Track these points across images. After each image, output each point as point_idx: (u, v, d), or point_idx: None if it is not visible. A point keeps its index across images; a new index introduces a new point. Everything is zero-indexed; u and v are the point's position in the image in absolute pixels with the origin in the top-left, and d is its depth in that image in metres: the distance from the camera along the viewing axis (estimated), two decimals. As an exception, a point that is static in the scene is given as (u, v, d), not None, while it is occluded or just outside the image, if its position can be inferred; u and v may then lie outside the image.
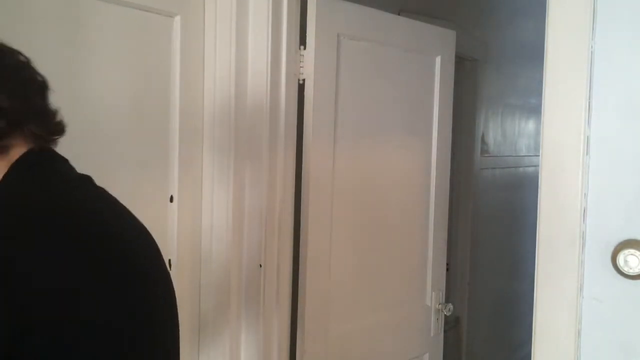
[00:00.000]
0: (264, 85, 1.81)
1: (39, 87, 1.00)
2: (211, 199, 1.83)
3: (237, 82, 1.80)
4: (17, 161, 0.97)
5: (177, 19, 1.74)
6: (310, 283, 1.94)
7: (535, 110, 3.79)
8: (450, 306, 2.44)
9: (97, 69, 1.56)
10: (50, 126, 1.01)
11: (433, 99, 2.33)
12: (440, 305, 2.42)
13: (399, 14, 2.46)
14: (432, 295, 2.40)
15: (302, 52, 1.90)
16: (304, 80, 1.91)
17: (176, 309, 1.12)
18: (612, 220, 1.39)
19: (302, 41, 1.90)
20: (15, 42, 1.39)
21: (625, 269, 1.36)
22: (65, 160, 1.04)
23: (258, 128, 1.82)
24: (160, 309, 1.06)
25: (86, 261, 0.91)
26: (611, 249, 1.38)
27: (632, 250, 1.35)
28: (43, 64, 1.46)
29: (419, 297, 2.38)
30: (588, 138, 1.40)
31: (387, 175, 2.19)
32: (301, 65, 1.90)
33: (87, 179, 1.06)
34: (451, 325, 3.22)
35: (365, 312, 2.16)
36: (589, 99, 1.40)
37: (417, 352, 2.39)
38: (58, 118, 1.02)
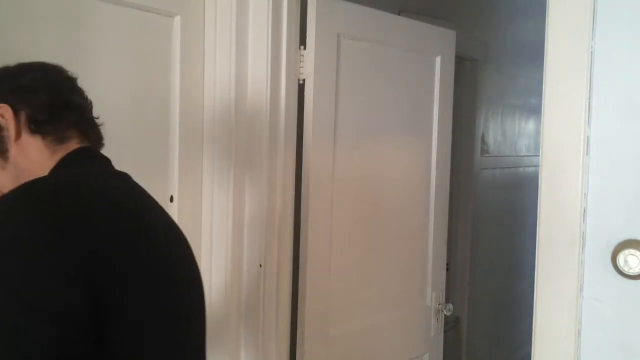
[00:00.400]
0: (264, 85, 1.81)
1: (91, 105, 1.14)
2: (211, 198, 1.83)
3: (237, 82, 1.80)
4: (74, 151, 1.06)
5: (177, 19, 1.74)
6: (310, 283, 1.94)
7: (535, 110, 3.79)
8: (450, 306, 2.44)
9: (97, 69, 1.56)
10: (101, 136, 1.14)
11: (433, 99, 2.33)
12: (440, 305, 2.42)
13: (399, 14, 2.46)
14: (432, 295, 2.40)
15: (302, 52, 1.90)
16: (304, 80, 1.91)
17: (203, 301, 1.16)
18: (612, 220, 1.39)
19: (302, 41, 1.90)
20: (16, 42, 1.40)
21: (625, 269, 1.36)
22: (109, 160, 1.13)
23: (258, 128, 1.82)
24: (185, 296, 1.08)
25: (123, 252, 0.93)
26: (611, 249, 1.38)
27: (632, 250, 1.35)
28: (43, 64, 1.46)
29: (419, 297, 2.38)
30: (588, 138, 1.40)
31: (387, 175, 2.19)
32: (301, 65, 1.90)
33: (127, 177, 1.13)
34: (451, 325, 3.22)
35: (365, 312, 2.16)
36: (589, 99, 1.40)
37: (417, 352, 2.39)
38: (101, 133, 1.15)
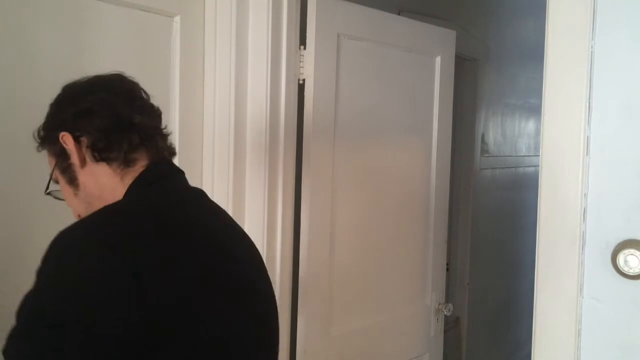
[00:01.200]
0: (264, 85, 1.81)
1: (157, 113, 1.09)
2: (211, 197, 1.83)
3: (237, 82, 1.80)
4: (145, 172, 1.02)
5: (177, 19, 1.74)
6: (311, 283, 1.94)
7: (535, 110, 3.79)
8: (450, 306, 2.44)
9: (98, 69, 1.55)
10: (170, 146, 1.10)
11: (433, 99, 2.33)
12: (440, 305, 2.42)
13: (399, 14, 2.46)
14: (432, 295, 2.40)
15: (302, 52, 1.90)
16: (304, 80, 1.91)
17: (277, 325, 1.14)
18: (612, 220, 1.39)
19: (302, 41, 1.90)
20: (16, 42, 1.40)
21: (625, 269, 1.36)
22: (182, 172, 1.09)
23: (258, 128, 1.82)
24: (262, 325, 1.07)
25: (198, 275, 0.93)
26: (611, 249, 1.38)
27: (632, 250, 1.35)
28: (43, 64, 1.47)
29: (419, 297, 2.38)
30: (588, 138, 1.40)
31: (387, 175, 2.19)
32: (301, 65, 1.90)
33: (201, 194, 1.11)
34: (451, 325, 3.22)
35: (366, 312, 2.16)
36: (589, 99, 1.40)
37: (417, 352, 2.39)
38: (171, 141, 1.11)
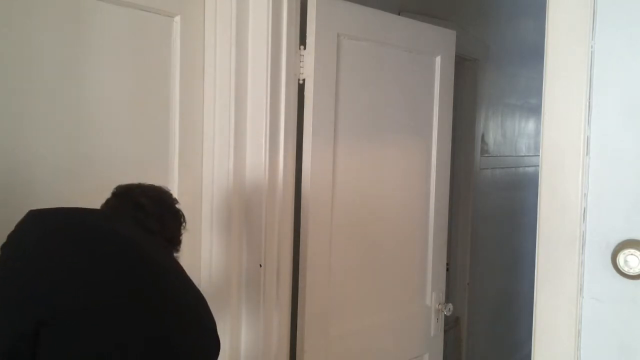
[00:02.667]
0: (264, 85, 1.81)
1: (177, 217, 1.37)
2: (211, 197, 1.83)
3: (237, 82, 1.80)
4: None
5: (177, 19, 1.74)
6: (310, 283, 1.94)
7: (535, 110, 3.79)
8: (450, 306, 2.44)
9: (97, 69, 1.56)
10: (174, 238, 1.35)
11: (433, 99, 2.33)
12: (440, 305, 2.42)
13: (399, 14, 2.46)
14: (432, 295, 2.40)
15: (302, 52, 1.90)
16: (304, 80, 1.91)
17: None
18: (612, 220, 1.39)
19: (302, 41, 1.90)
20: (16, 42, 1.40)
21: (625, 269, 1.36)
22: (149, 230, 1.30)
23: (258, 128, 1.82)
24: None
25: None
26: (611, 249, 1.38)
27: (632, 250, 1.35)
28: (44, 64, 1.47)
29: (419, 297, 2.38)
30: (588, 138, 1.40)
31: (387, 175, 2.19)
32: (301, 65, 1.90)
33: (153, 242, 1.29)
34: (451, 326, 3.22)
35: (365, 312, 2.16)
36: (589, 99, 1.40)
37: (417, 352, 2.39)
38: (180, 239, 1.37)
